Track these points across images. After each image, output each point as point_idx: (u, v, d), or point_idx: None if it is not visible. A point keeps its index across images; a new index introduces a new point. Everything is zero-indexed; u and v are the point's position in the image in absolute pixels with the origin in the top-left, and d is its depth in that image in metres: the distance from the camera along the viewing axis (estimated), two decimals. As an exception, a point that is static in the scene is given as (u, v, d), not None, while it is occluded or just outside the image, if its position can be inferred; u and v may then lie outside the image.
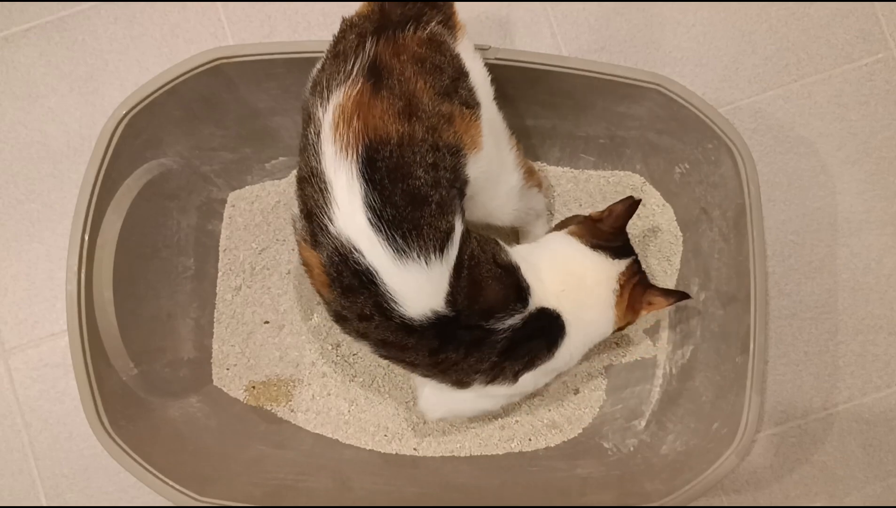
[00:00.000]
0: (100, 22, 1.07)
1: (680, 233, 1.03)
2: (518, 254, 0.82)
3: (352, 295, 0.70)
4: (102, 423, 0.78)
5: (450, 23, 0.73)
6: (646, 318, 1.02)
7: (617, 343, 1.02)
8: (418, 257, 0.67)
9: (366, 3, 0.73)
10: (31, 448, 1.02)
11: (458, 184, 0.71)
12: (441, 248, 0.69)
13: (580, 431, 1.00)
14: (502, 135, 0.81)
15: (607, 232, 0.85)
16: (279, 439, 0.97)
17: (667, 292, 0.85)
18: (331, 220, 0.67)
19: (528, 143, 1.01)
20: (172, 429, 0.88)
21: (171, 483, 0.78)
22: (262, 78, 0.87)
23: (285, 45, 0.83)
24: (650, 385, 1.00)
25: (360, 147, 0.65)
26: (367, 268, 0.67)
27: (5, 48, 1.07)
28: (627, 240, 0.87)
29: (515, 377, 0.81)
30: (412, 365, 0.78)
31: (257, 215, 1.04)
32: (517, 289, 0.78)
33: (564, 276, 0.82)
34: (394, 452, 0.98)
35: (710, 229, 0.94)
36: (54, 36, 1.07)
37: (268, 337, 1.02)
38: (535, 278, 0.80)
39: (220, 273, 1.03)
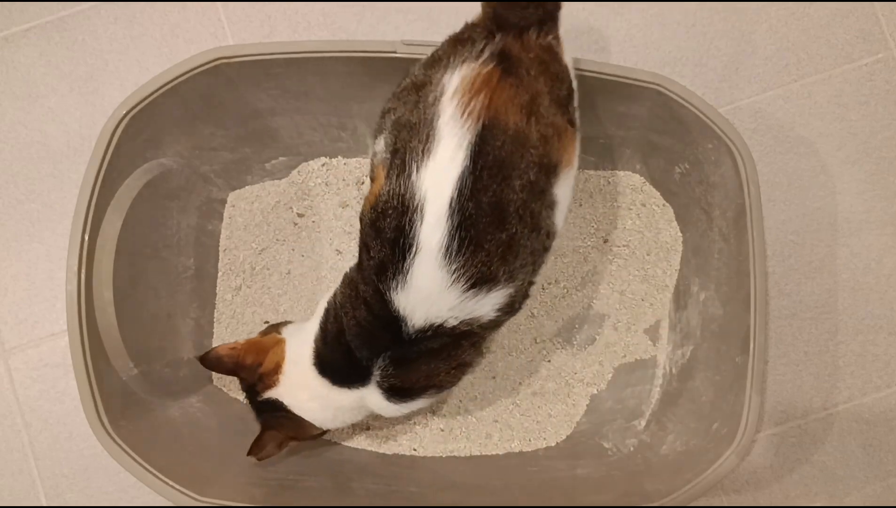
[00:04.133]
0: (100, 22, 1.07)
1: (680, 233, 1.03)
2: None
3: (378, 238, 0.66)
4: (102, 423, 0.78)
5: (558, 38, 0.71)
6: (646, 317, 1.02)
7: (617, 343, 1.02)
8: (455, 274, 0.62)
9: (484, 8, 0.70)
10: (31, 448, 1.02)
11: (543, 232, 0.66)
12: (474, 285, 0.64)
13: (580, 431, 1.00)
14: None
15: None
16: (279, 439, 0.97)
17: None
18: (418, 169, 0.62)
19: (528, 143, 1.01)
20: (172, 429, 0.88)
21: (171, 483, 0.78)
22: (262, 78, 0.87)
23: (285, 45, 0.83)
24: (650, 385, 1.00)
25: (480, 121, 0.61)
26: (413, 238, 0.62)
27: (5, 48, 1.07)
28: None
29: None
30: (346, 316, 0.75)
31: (257, 214, 1.04)
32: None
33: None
34: (393, 452, 0.98)
35: (710, 229, 0.94)
36: (54, 36, 1.07)
37: (268, 337, 1.02)
38: None
39: (220, 273, 1.03)
